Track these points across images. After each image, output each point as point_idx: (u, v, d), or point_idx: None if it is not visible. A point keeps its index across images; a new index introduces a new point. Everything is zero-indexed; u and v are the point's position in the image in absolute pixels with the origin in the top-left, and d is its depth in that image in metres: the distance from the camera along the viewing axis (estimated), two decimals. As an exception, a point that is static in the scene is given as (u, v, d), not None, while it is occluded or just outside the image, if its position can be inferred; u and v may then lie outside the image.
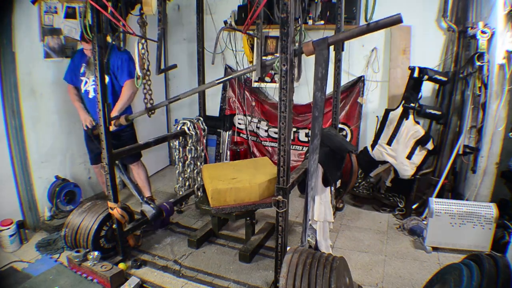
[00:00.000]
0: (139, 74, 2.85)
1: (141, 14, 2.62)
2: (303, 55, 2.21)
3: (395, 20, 1.86)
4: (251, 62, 4.22)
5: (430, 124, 3.51)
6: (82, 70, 3.20)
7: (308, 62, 2.64)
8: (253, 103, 4.46)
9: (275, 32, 4.02)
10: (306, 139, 4.28)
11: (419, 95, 3.38)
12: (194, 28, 3.53)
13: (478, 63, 3.05)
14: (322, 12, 3.79)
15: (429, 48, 3.68)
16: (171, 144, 3.60)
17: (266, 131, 4.46)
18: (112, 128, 3.12)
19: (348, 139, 4.06)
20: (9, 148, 2.99)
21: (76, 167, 3.66)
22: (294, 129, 4.26)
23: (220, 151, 4.65)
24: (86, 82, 3.20)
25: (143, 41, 2.69)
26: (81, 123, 3.61)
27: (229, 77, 3.16)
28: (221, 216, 3.06)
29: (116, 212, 2.63)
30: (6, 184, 3.01)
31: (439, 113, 3.35)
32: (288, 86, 2.00)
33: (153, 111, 2.95)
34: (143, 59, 2.77)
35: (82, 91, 3.24)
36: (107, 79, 3.16)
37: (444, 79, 3.33)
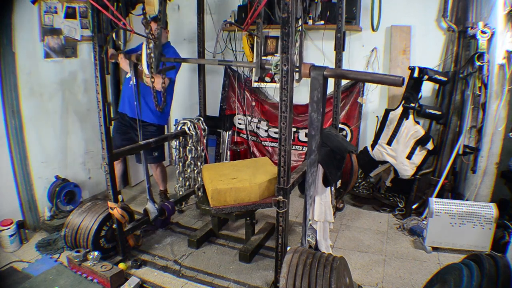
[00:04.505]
0: (147, 73, 2.88)
1: (144, 13, 2.62)
2: (303, 55, 2.21)
3: (395, 82, 1.79)
4: (251, 62, 4.21)
5: (430, 124, 3.51)
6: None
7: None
8: (253, 103, 4.46)
9: (275, 32, 4.02)
10: (306, 139, 4.28)
11: (419, 95, 3.38)
12: (194, 28, 3.53)
13: (478, 63, 3.05)
14: (322, 12, 3.79)
15: (429, 48, 3.68)
16: (171, 144, 3.60)
17: (266, 131, 4.46)
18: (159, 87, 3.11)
19: (348, 139, 4.06)
20: (9, 148, 2.99)
21: (76, 167, 3.65)
22: (294, 129, 4.26)
23: (220, 151, 4.64)
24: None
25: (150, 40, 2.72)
26: (81, 124, 3.63)
27: (230, 61, 3.16)
28: (221, 216, 3.06)
29: (116, 212, 2.63)
30: (6, 184, 3.01)
31: (439, 113, 3.36)
32: (289, 86, 2.01)
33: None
34: (150, 58, 2.79)
35: (127, 76, 3.28)
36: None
37: (444, 79, 3.34)
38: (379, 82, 1.98)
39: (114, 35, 2.66)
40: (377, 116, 3.76)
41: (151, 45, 2.80)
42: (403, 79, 1.79)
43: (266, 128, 4.46)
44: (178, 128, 3.35)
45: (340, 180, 3.39)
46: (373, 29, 3.74)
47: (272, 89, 4.36)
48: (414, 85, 3.36)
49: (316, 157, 2.15)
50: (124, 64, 3.02)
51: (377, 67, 3.91)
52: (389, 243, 3.08)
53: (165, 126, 3.72)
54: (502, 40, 2.97)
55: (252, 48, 4.19)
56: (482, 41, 3.02)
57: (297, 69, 2.21)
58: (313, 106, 2.03)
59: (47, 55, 3.22)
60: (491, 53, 3.04)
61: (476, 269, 1.84)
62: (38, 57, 3.16)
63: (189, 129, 3.32)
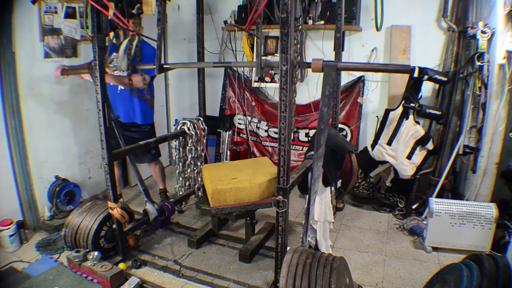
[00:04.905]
0: (124, 69, 2.85)
1: (139, 13, 2.63)
2: (304, 54, 2.23)
3: (405, 69, 2.03)
4: (251, 62, 4.21)
5: (430, 124, 3.51)
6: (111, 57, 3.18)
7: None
8: (253, 103, 4.46)
9: (275, 32, 4.02)
10: (306, 139, 4.28)
11: (419, 95, 3.37)
12: (194, 28, 3.53)
13: (478, 63, 3.05)
14: (322, 12, 3.79)
15: (429, 48, 3.68)
16: (171, 144, 3.61)
17: (266, 131, 4.46)
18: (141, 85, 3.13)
19: (348, 139, 4.06)
20: (9, 148, 2.99)
21: (76, 167, 3.66)
22: (294, 129, 4.26)
23: (220, 151, 4.65)
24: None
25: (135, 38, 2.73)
26: (81, 124, 3.62)
27: (228, 63, 3.15)
28: (221, 216, 3.06)
29: (116, 212, 2.63)
30: (6, 184, 3.01)
31: (439, 113, 3.35)
32: (288, 86, 2.01)
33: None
34: (128, 55, 2.78)
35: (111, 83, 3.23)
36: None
37: (444, 79, 3.31)
38: (391, 71, 2.09)
39: (112, 35, 2.67)
40: (377, 116, 3.76)
41: (134, 43, 2.78)
42: (413, 67, 1.97)
43: (266, 128, 4.46)
44: (178, 128, 3.35)
45: (340, 180, 3.39)
46: (377, 29, 3.73)
47: (272, 89, 4.36)
48: (414, 85, 3.34)
49: (323, 151, 2.16)
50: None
51: (377, 67, 3.91)
52: (389, 243, 3.08)
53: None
54: (502, 40, 2.97)
55: (252, 48, 4.18)
56: (482, 41, 3.02)
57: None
58: (325, 100, 2.06)
59: (47, 55, 3.22)
60: (491, 53, 3.03)
61: (476, 269, 1.84)
62: (38, 57, 3.16)
63: (188, 129, 3.32)
